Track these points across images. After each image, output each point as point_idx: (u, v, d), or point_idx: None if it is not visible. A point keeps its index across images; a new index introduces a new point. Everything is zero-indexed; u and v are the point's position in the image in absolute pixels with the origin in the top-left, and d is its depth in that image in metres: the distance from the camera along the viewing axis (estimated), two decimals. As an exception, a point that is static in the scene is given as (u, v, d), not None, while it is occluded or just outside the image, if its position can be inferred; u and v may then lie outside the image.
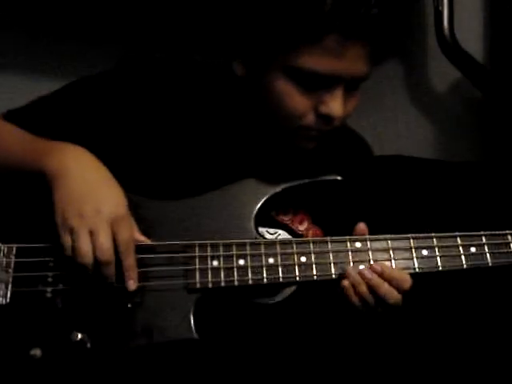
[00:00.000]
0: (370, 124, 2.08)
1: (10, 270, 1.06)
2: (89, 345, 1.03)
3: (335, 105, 1.08)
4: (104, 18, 1.91)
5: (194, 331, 1.05)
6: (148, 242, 1.08)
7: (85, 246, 1.01)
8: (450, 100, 2.15)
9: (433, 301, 1.58)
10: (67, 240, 1.02)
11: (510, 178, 1.73)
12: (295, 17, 1.03)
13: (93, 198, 1.03)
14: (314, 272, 1.10)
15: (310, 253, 1.10)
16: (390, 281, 1.07)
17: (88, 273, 1.03)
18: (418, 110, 2.18)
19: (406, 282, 1.08)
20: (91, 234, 1.02)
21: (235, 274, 1.08)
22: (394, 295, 1.07)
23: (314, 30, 1.02)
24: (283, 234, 1.20)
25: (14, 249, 1.07)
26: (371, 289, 1.06)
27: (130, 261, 1.05)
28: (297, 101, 1.08)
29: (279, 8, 1.03)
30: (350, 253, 1.11)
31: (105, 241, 1.02)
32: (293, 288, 1.17)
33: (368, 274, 1.07)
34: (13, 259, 1.06)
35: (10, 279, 1.05)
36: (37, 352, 1.03)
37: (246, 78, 1.14)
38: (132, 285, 1.05)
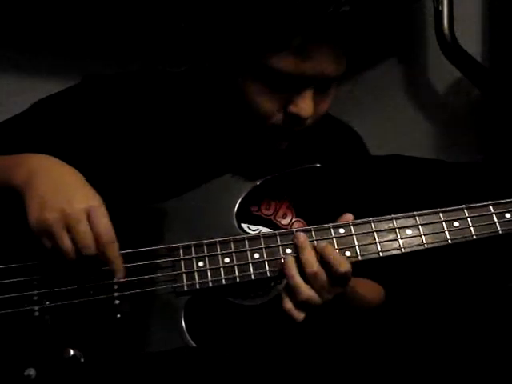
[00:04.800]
0: (369, 124, 2.07)
1: (-6, 292, 1.04)
2: (82, 359, 1.02)
3: (304, 105, 1.07)
4: (104, 19, 1.91)
5: (188, 337, 1.05)
6: None
7: (65, 243, 0.98)
8: (450, 100, 2.15)
9: (428, 296, 1.59)
10: (46, 243, 1.00)
11: (510, 178, 1.72)
12: (263, 18, 1.02)
13: (62, 195, 1.00)
14: None
15: (295, 244, 1.08)
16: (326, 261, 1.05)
17: (73, 279, 1.02)
18: (418, 110, 2.18)
19: (342, 265, 1.04)
20: (69, 229, 0.98)
21: (222, 273, 1.07)
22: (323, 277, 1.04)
23: (281, 31, 1.01)
24: (265, 231, 1.19)
25: None
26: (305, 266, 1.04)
27: (114, 250, 1.01)
28: (265, 100, 1.07)
29: (247, 9, 1.03)
30: (334, 240, 1.09)
31: (82, 232, 0.98)
32: (280, 288, 1.18)
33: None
34: None
35: None
36: (31, 372, 1.01)
37: (217, 77, 1.13)
38: (121, 275, 1.02)
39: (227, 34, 1.06)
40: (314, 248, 1.06)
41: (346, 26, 1.04)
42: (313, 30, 1.01)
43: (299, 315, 1.05)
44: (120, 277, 1.02)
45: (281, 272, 1.07)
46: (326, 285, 1.05)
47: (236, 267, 1.08)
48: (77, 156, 1.13)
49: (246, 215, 1.17)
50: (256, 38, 1.03)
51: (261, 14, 1.02)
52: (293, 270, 1.05)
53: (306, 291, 1.04)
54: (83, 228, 0.99)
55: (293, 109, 1.08)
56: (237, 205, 1.13)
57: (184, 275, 1.07)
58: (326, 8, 1.00)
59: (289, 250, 1.09)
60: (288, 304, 1.05)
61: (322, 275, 1.04)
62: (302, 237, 1.07)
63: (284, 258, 1.07)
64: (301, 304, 1.05)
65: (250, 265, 1.08)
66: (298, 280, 1.04)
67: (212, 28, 1.09)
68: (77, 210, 0.99)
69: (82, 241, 0.99)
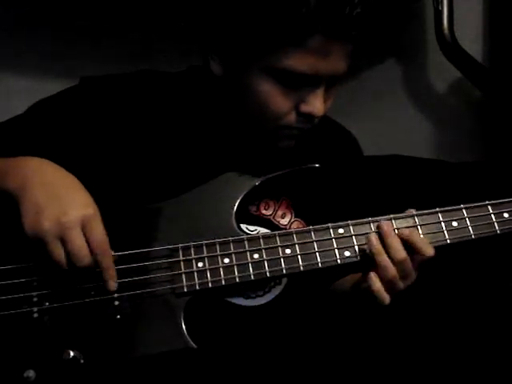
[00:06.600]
0: (369, 124, 2.07)
1: (-7, 293, 1.03)
2: (82, 361, 1.02)
3: (317, 103, 1.08)
4: (105, 18, 1.92)
5: (188, 338, 1.05)
6: (113, 253, 1.06)
7: (57, 254, 0.99)
8: (450, 100, 2.16)
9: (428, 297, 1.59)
10: (41, 250, 0.99)
11: (510, 178, 1.73)
12: (279, 19, 1.01)
13: (58, 203, 1.00)
14: (300, 263, 1.08)
15: (294, 244, 1.09)
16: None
17: (73, 280, 1.02)
18: (417, 110, 2.19)
19: (429, 249, 1.06)
20: (62, 239, 0.99)
21: (221, 273, 1.07)
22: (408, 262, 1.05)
23: (297, 31, 1.01)
24: (263, 231, 1.18)
25: None
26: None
27: (107, 260, 1.01)
28: (279, 101, 1.07)
29: (263, 10, 1.02)
30: (333, 240, 1.09)
31: (77, 244, 0.99)
32: (279, 288, 1.18)
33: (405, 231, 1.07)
34: None
35: None
36: (30, 374, 1.01)
37: (224, 78, 1.12)
38: (112, 285, 1.02)
39: (243, 35, 1.06)
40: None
41: (359, 26, 1.04)
42: (328, 31, 1.02)
43: (386, 297, 1.06)
44: (111, 286, 1.03)
45: (361, 254, 1.08)
46: (410, 271, 1.06)
47: (235, 267, 1.08)
48: (75, 158, 1.13)
49: (244, 215, 1.17)
50: (273, 38, 1.03)
51: (278, 14, 1.01)
52: (379, 247, 1.06)
53: (394, 271, 1.05)
54: (76, 239, 0.99)
55: (306, 108, 1.08)
56: (236, 205, 1.13)
57: (183, 276, 1.07)
58: (341, 10, 1.01)
59: (288, 251, 1.09)
60: (377, 284, 1.05)
61: (409, 261, 1.05)
62: (385, 225, 1.07)
63: (368, 238, 1.07)
64: (388, 284, 1.05)
65: (250, 265, 1.08)
66: (386, 258, 1.05)
67: (227, 28, 1.08)
68: (71, 219, 0.99)
69: (75, 252, 0.99)
